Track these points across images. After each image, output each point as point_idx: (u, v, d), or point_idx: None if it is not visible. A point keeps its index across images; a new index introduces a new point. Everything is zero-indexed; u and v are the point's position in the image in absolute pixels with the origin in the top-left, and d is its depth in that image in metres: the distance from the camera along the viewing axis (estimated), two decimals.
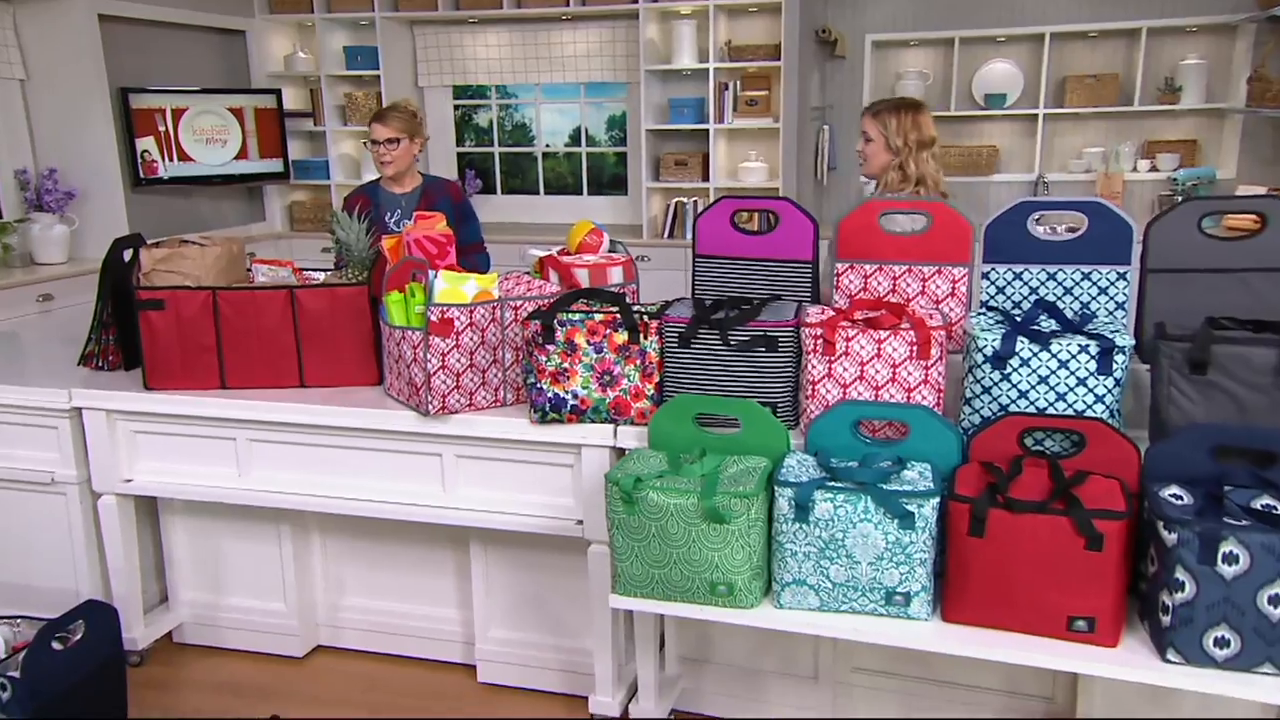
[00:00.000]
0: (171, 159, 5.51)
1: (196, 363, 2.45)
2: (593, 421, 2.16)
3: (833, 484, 1.71)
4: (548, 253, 2.51)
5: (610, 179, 6.56)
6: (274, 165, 6.02)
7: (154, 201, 5.51)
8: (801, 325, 1.99)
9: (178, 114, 5.50)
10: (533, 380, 2.17)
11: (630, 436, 2.15)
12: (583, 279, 2.38)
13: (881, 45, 5.78)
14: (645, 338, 2.11)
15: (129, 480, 2.55)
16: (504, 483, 2.32)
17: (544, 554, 2.47)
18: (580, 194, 6.59)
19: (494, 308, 2.24)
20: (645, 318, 2.11)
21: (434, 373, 2.20)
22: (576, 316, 2.13)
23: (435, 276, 2.20)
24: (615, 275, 2.40)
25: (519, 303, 2.27)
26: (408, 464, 2.37)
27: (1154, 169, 5.42)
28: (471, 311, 2.20)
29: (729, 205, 2.28)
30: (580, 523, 2.26)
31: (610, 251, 2.57)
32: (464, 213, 3.64)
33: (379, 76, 6.10)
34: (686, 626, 2.39)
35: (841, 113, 5.96)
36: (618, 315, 2.12)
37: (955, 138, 5.79)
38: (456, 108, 6.66)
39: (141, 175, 5.38)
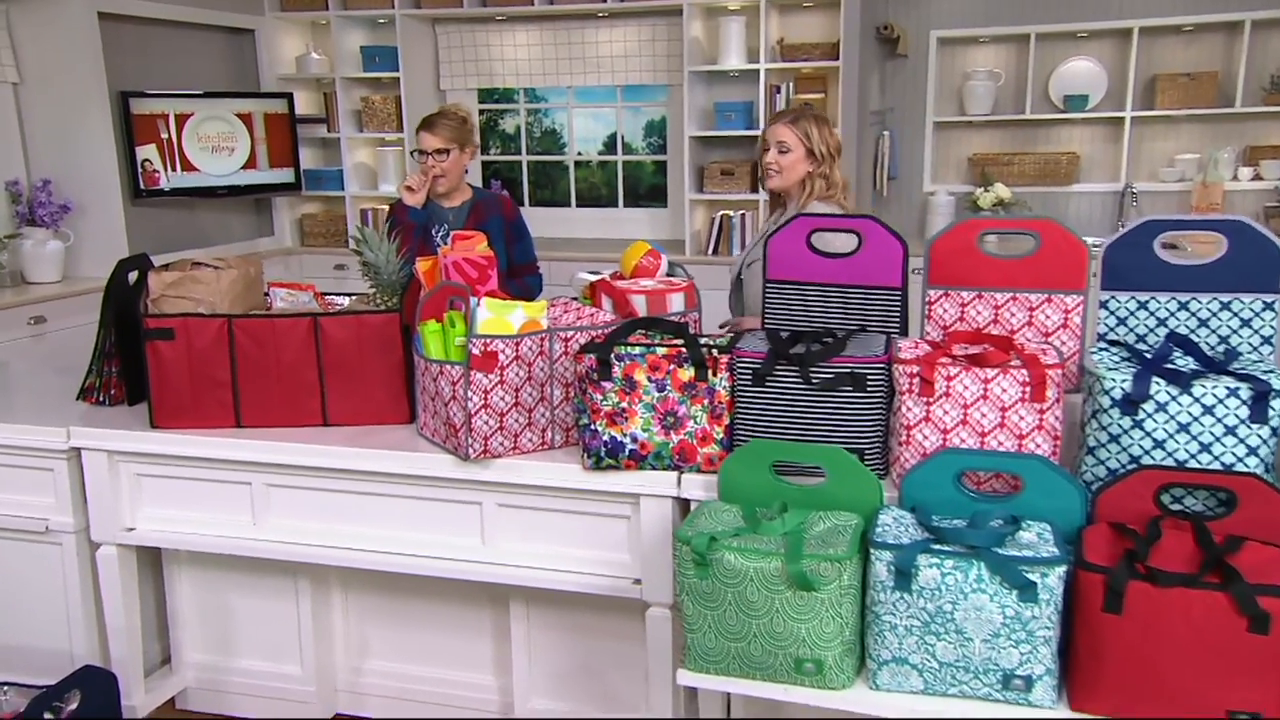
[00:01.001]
0: (174, 169, 5.52)
1: (209, 398, 2.40)
2: (654, 468, 2.09)
3: (939, 547, 1.62)
4: (599, 276, 2.45)
5: (648, 190, 6.51)
6: (285, 175, 6.02)
7: (154, 215, 5.52)
8: (894, 361, 1.90)
9: (181, 120, 5.52)
10: (586, 421, 2.10)
11: (696, 486, 2.07)
12: (640, 306, 2.31)
13: (948, 42, 5.71)
14: (714, 374, 2.03)
15: (131, 529, 2.50)
16: (551, 536, 2.25)
17: (595, 616, 2.38)
18: (615, 206, 6.55)
19: (542, 339, 2.18)
20: (714, 351, 2.03)
21: (475, 412, 2.13)
22: (636, 350, 2.06)
23: (477, 304, 2.13)
24: (676, 302, 2.32)
25: (570, 334, 2.20)
26: (443, 513, 2.31)
27: (1258, 177, 5.29)
28: (518, 344, 2.14)
29: (805, 224, 2.21)
30: (638, 582, 2.18)
31: (669, 275, 2.50)
32: (517, 230, 3.59)
33: (398, 79, 6.09)
34: (755, 703, 2.30)
35: (902, 117, 5.89)
36: (682, 349, 2.05)
37: (1030, 144, 5.69)
38: (481, 112, 6.65)
39: (142, 186, 5.39)
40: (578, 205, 6.62)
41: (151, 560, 2.70)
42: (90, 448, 2.44)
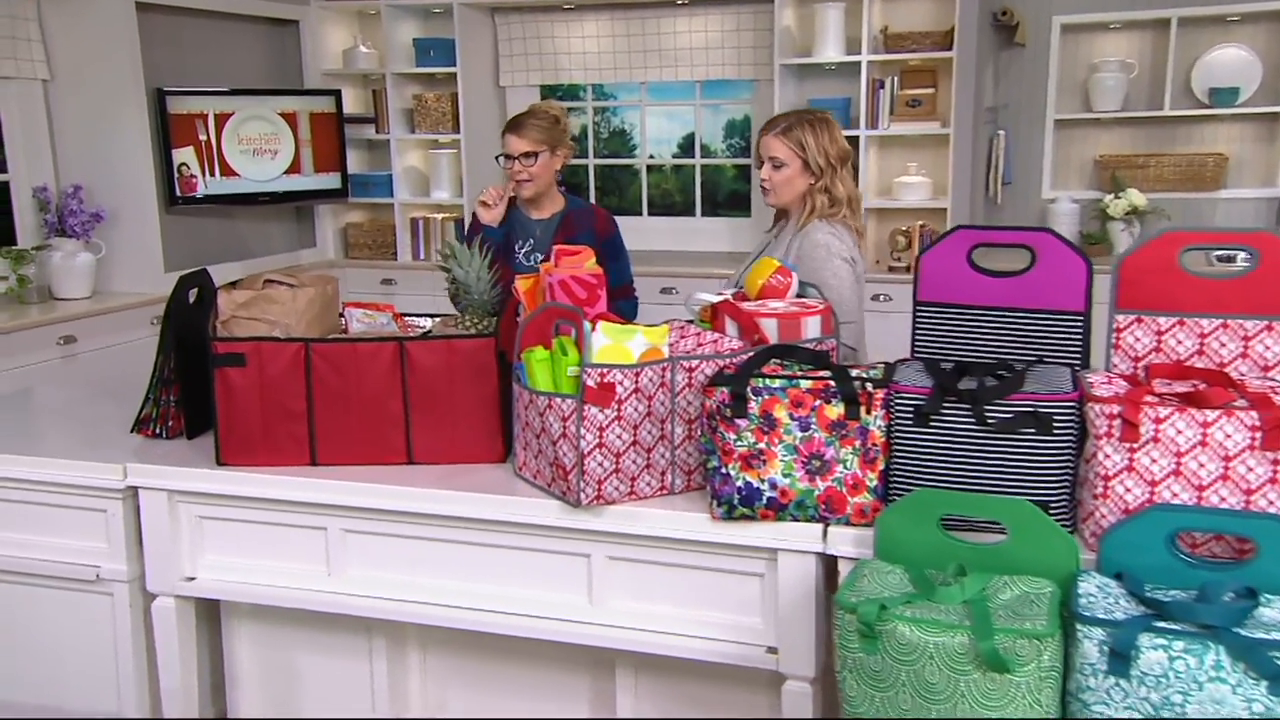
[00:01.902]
0: (213, 173, 5.57)
1: (281, 432, 2.37)
2: (795, 519, 2.01)
3: (1163, 625, 1.52)
4: (721, 297, 2.38)
5: (728, 197, 6.46)
6: (331, 180, 6.05)
7: (190, 224, 5.56)
8: (1087, 399, 1.80)
9: (221, 120, 5.56)
10: (716, 464, 2.03)
11: (846, 541, 1.99)
12: (771, 332, 2.24)
13: (1073, 29, 5.60)
14: (868, 412, 1.95)
15: (191, 579, 2.47)
16: (670, 594, 2.18)
17: (717, 688, 2.30)
18: (691, 214, 6.51)
19: (664, 369, 2.11)
20: (868, 385, 1.95)
21: (589, 452, 2.07)
22: (776, 383, 1.98)
23: (594, 329, 2.07)
24: (812, 328, 2.25)
25: (695, 363, 2.14)
26: (545, 566, 2.25)
27: None
28: (638, 374, 2.07)
29: (966, 238, 2.12)
30: (772, 651, 2.10)
31: (800, 296, 2.43)
32: (612, 248, 3.55)
33: (455, 75, 6.10)
34: None
35: (1019, 114, 5.79)
36: (830, 381, 1.97)
37: (1168, 144, 5.55)
38: None
39: (178, 193, 5.43)
40: (650, 213, 6.59)
41: (207, 612, 2.66)
42: (149, 487, 2.42)
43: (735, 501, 2.01)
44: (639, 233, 6.45)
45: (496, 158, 3.54)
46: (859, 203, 3.11)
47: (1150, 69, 5.50)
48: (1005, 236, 2.10)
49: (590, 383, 2.05)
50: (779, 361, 2.09)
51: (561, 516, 2.17)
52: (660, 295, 5.57)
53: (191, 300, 2.63)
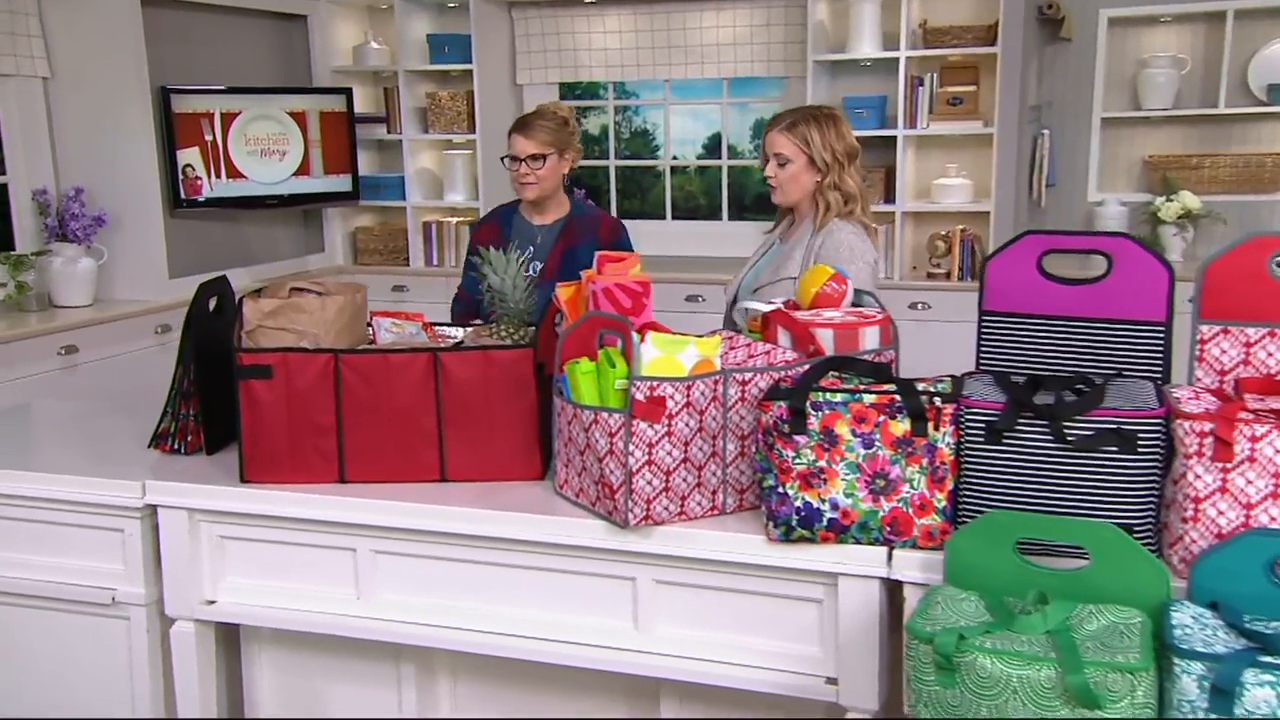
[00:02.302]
0: (218, 175, 5.57)
1: (309, 448, 2.35)
2: (857, 542, 1.99)
3: (1268, 659, 1.48)
4: (772, 306, 2.36)
5: (756, 200, 6.44)
6: (341, 183, 6.05)
7: (194, 228, 5.56)
8: (1174, 416, 1.77)
9: (228, 119, 5.57)
10: (772, 483, 2.00)
11: (912, 565, 1.97)
12: (827, 343, 2.21)
13: (1121, 23, 5.58)
14: (936, 428, 1.93)
15: (212, 602, 2.45)
16: (721, 620, 2.15)
17: None
18: (717, 219, 6.50)
19: (715, 383, 2.09)
20: (936, 400, 1.92)
21: (638, 469, 2.05)
22: (838, 397, 1.96)
23: (643, 340, 2.05)
24: (870, 338, 2.23)
25: (748, 375, 2.11)
26: (587, 590, 2.23)
27: None
28: (689, 388, 2.05)
29: (1035, 243, 2.10)
30: (832, 682, 2.07)
31: (855, 305, 2.41)
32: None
33: (470, 72, 6.10)
34: None
35: (1063, 113, 5.76)
36: (895, 396, 1.94)
37: (1223, 143, 5.52)
38: None
39: (182, 195, 5.43)
40: (674, 217, 6.58)
41: (227, 637, 2.65)
42: (169, 505, 2.40)
43: (793, 523, 1.99)
44: (662, 238, 6.44)
45: (502, 159, 3.53)
46: (869, 201, 3.17)
47: (1203, 64, 5.47)
48: (1079, 242, 2.08)
49: (639, 396, 2.03)
50: (837, 374, 2.06)
51: (606, 537, 2.15)
52: (685, 303, 5.55)
53: (211, 309, 2.62)
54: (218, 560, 2.45)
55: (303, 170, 5.88)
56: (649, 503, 2.08)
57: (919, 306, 5.38)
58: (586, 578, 2.22)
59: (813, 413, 1.96)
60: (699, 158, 6.56)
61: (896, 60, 5.43)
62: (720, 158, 6.43)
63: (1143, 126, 5.64)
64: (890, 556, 1.98)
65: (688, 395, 2.06)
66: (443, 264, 6.37)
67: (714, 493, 2.15)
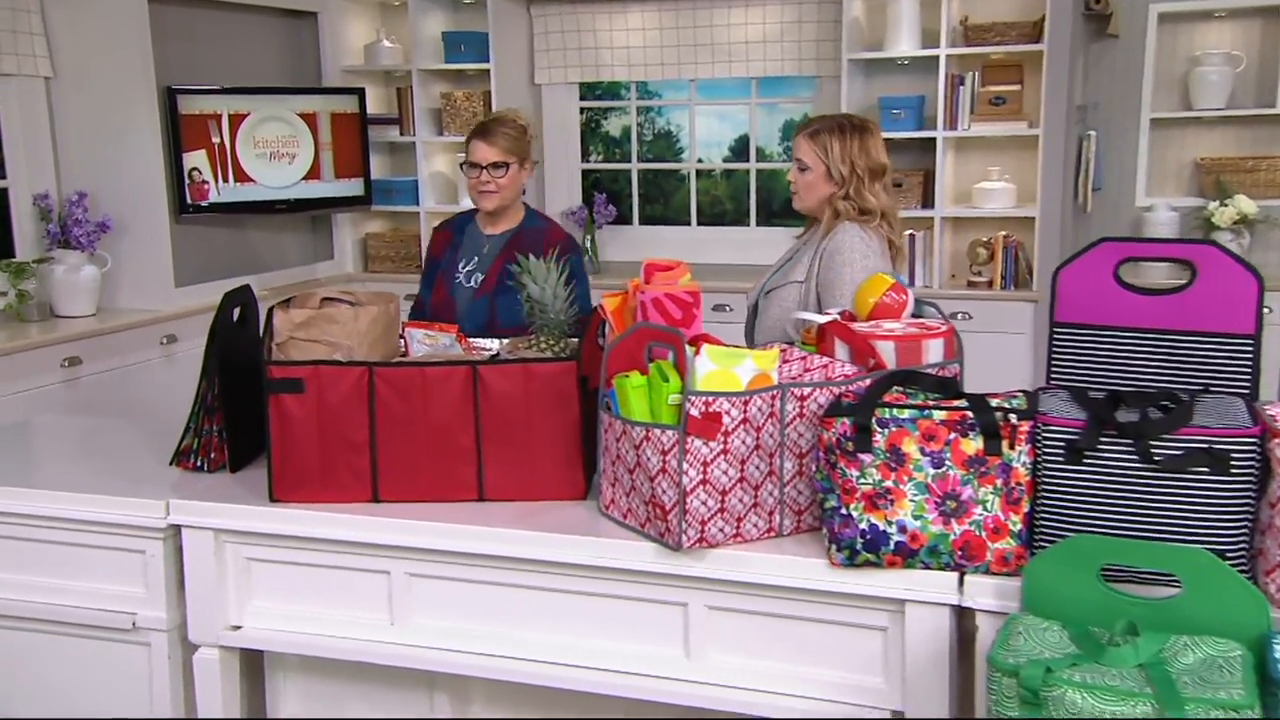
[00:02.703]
0: (226, 179, 5.57)
1: (341, 465, 2.35)
2: (926, 566, 1.97)
3: None
4: (828, 317, 2.34)
5: (785, 205, 6.41)
6: (353, 187, 6.06)
7: (200, 235, 5.55)
8: (1270, 434, 1.75)
9: (236, 121, 5.57)
10: (835, 504, 1.99)
11: (985, 592, 1.95)
12: (888, 356, 2.20)
13: (1172, 19, 5.56)
14: (1010, 446, 1.91)
15: (237, 628, 2.45)
16: (778, 649, 2.14)
17: None
18: (745, 225, 6.49)
19: (772, 398, 2.07)
20: (1011, 417, 1.91)
21: (692, 489, 2.03)
22: (905, 414, 1.94)
23: (697, 353, 2.04)
24: (934, 351, 2.21)
25: (807, 390, 2.10)
26: (635, 616, 2.22)
27: None
28: (746, 403, 2.04)
29: (1112, 250, 2.08)
30: (897, 715, 2.06)
31: (916, 315, 2.39)
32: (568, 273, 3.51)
33: (488, 71, 6.11)
34: None
35: (1110, 113, 5.74)
36: (967, 412, 1.93)
37: None
38: (581, 111, 6.65)
39: (188, 200, 5.43)
40: (699, 223, 6.56)
41: (249, 663, 2.63)
42: (193, 525, 2.40)
43: (858, 546, 1.97)
44: (686, 244, 6.43)
45: (461, 165, 3.51)
46: (896, 217, 3.19)
47: (1259, 62, 5.44)
48: (1162, 249, 2.07)
49: (694, 412, 2.01)
50: (901, 389, 2.05)
51: (657, 560, 2.14)
52: (712, 313, 5.54)
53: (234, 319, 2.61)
54: (244, 583, 2.44)
55: (313, 174, 5.87)
56: (703, 524, 2.06)
57: (959, 316, 5.35)
58: (635, 603, 2.21)
59: (878, 430, 1.95)
60: (725, 161, 6.55)
61: (936, 59, 5.41)
62: (748, 161, 6.42)
63: (1194, 127, 5.61)
64: (962, 582, 1.97)
65: (744, 411, 2.04)
66: None
67: (770, 514, 2.13)
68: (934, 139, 5.47)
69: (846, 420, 1.96)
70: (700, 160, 6.54)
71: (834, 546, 2.00)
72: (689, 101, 6.50)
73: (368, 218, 6.53)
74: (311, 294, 2.50)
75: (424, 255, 3.59)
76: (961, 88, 5.41)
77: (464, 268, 3.50)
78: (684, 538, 2.06)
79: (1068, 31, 5.14)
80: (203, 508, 2.40)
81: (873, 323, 2.33)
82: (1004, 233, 5.47)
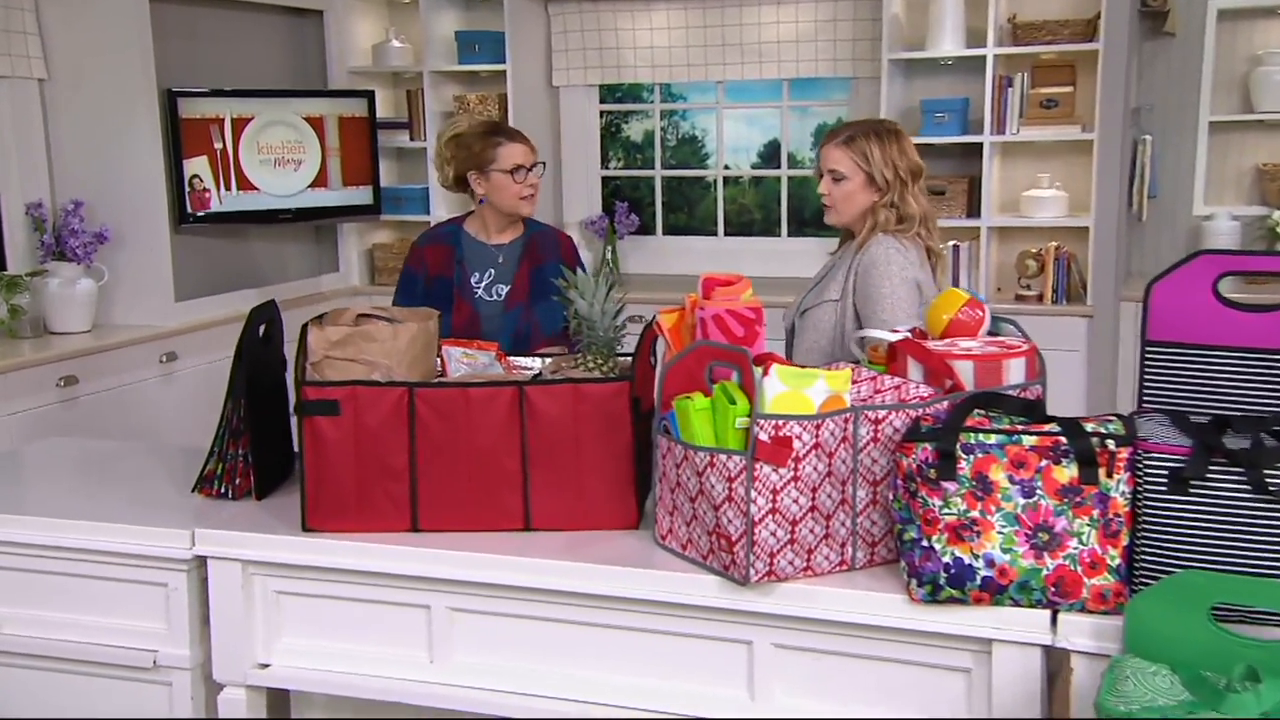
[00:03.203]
0: (228, 187, 5.57)
1: (378, 493, 2.34)
2: (1016, 604, 1.95)
3: None
4: (899, 335, 2.33)
5: (817, 215, 6.37)
6: (362, 195, 6.06)
7: (199, 246, 5.54)
8: None
9: (239, 125, 5.57)
10: (915, 535, 1.97)
11: (1081, 631, 1.93)
12: (966, 377, 2.18)
13: (1231, 16, 5.56)
14: (1109, 475, 1.89)
15: (265, 665, 2.43)
16: (851, 691, 2.11)
17: None
18: (775, 234, 6.49)
19: (845, 421, 2.06)
20: (1109, 443, 1.89)
21: (760, 519, 2.01)
22: (992, 439, 1.93)
23: (766, 374, 2.02)
24: (1015, 371, 2.19)
25: (882, 413, 2.08)
26: (695, 654, 2.20)
27: None
28: (818, 427, 2.02)
29: (1211, 264, 2.06)
30: None
31: (992, 333, 2.37)
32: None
33: (503, 73, 6.11)
34: None
35: (1166, 117, 5.73)
36: (1060, 438, 1.91)
37: None
38: (601, 115, 6.65)
39: (189, 209, 5.42)
40: (726, 233, 6.55)
41: (271, 703, 2.61)
42: (220, 556, 2.39)
43: (941, 581, 1.95)
44: (713, 255, 6.42)
45: (512, 171, 3.45)
46: (934, 222, 3.19)
47: None
48: (1265, 263, 2.04)
49: (763, 437, 2.00)
50: (983, 413, 2.03)
51: (720, 595, 2.12)
52: None
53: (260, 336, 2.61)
54: (273, 619, 2.43)
55: (319, 182, 5.87)
56: (772, 556, 2.04)
57: None
58: (694, 640, 2.19)
59: (963, 456, 1.93)
60: (754, 167, 6.55)
61: (982, 58, 5.40)
62: (779, 167, 6.42)
63: (1255, 131, 5.60)
64: (1055, 621, 1.94)
65: (816, 435, 2.03)
66: None
67: (843, 545, 2.11)
68: (980, 144, 5.46)
69: (928, 446, 1.95)
70: (727, 167, 6.54)
71: (914, 581, 1.98)
72: (716, 105, 6.49)
73: (374, 228, 6.53)
74: (344, 310, 2.49)
75: (410, 274, 3.53)
76: (1010, 89, 5.40)
77: (479, 282, 3.49)
78: (751, 570, 2.04)
79: (1125, 29, 5.13)
80: (231, 537, 2.39)
81: (948, 341, 2.31)
82: (1055, 243, 5.45)
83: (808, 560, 2.08)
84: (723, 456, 2.04)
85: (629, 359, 2.59)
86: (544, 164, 3.48)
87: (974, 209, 5.58)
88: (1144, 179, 5.65)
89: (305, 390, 2.29)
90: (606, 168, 6.71)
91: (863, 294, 3.07)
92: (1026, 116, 5.43)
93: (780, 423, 2.00)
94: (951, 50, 5.48)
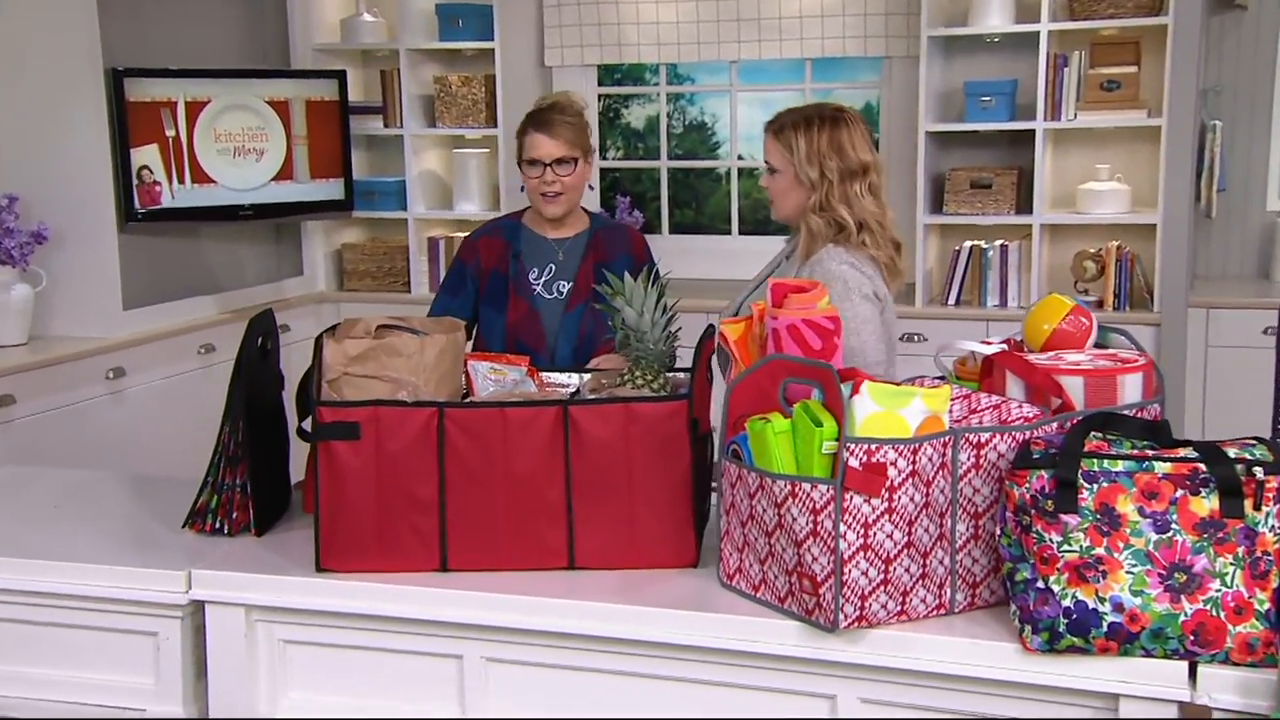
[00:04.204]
0: (182, 180, 5.53)
1: (403, 527, 2.33)
2: (1148, 654, 1.94)
3: None
4: (994, 347, 2.31)
5: None
6: (331, 189, 6.04)
7: (149, 246, 5.48)
8: None
9: (194, 110, 5.54)
10: (1028, 575, 1.96)
11: (1225, 686, 1.91)
12: (1076, 394, 2.17)
13: None
14: (1256, 507, 1.89)
15: None
16: None
17: None
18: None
19: (944, 445, 2.04)
20: (1255, 470, 1.88)
21: (850, 556, 1.99)
22: (1119, 466, 1.92)
23: (856, 392, 2.00)
24: (1131, 389, 2.19)
25: (985, 436, 2.07)
26: (770, 710, 2.19)
27: None
28: (915, 452, 2.00)
29: None
30: None
31: (1101, 345, 2.37)
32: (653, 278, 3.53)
33: (490, 52, 6.12)
34: None
35: (1235, 101, 5.76)
36: (1199, 465, 1.90)
37: None
38: (601, 99, 6.64)
39: (137, 205, 5.37)
40: (740, 232, 6.55)
41: None
42: (221, 601, 2.38)
43: (1060, 627, 1.94)
44: (724, 256, 6.40)
45: (521, 163, 3.48)
46: (887, 228, 3.11)
47: None
48: None
49: (854, 463, 1.98)
50: (1100, 436, 2.02)
51: (801, 643, 2.11)
52: None
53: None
54: (279, 671, 2.42)
55: (285, 174, 5.84)
56: (863, 599, 2.03)
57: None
58: (769, 694, 2.19)
59: (1085, 485, 1.92)
60: None
61: (1035, 35, 5.40)
62: None
63: None
64: (1195, 674, 1.94)
65: (913, 462, 2.01)
66: None
67: (940, 586, 2.10)
68: (1031, 131, 5.47)
69: (1044, 473, 1.93)
70: (741, 157, 6.54)
71: (1029, 628, 1.97)
72: (729, 87, 6.50)
73: (343, 226, 6.51)
74: (355, 321, 2.48)
75: (459, 267, 3.53)
76: (1066, 70, 5.40)
77: (537, 278, 3.47)
78: (840, 615, 2.02)
79: (1198, 5, 5.14)
80: (233, 579, 2.37)
81: (1051, 354, 2.30)
82: (1116, 243, 5.46)
83: (902, 603, 2.06)
84: (807, 486, 2.02)
85: (680, 374, 2.60)
86: (576, 160, 3.43)
87: (1024, 204, 5.59)
88: (1213, 171, 5.67)
89: (321, 411, 2.27)
90: (605, 158, 6.71)
91: None
92: (1084, 100, 5.43)
93: (873, 447, 1.98)
94: (999, 26, 5.49)
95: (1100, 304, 5.45)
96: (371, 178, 6.46)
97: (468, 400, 2.37)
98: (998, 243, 5.59)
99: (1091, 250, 5.51)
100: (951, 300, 5.67)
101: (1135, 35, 5.40)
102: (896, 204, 5.75)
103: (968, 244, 5.64)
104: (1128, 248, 5.46)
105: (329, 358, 2.29)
